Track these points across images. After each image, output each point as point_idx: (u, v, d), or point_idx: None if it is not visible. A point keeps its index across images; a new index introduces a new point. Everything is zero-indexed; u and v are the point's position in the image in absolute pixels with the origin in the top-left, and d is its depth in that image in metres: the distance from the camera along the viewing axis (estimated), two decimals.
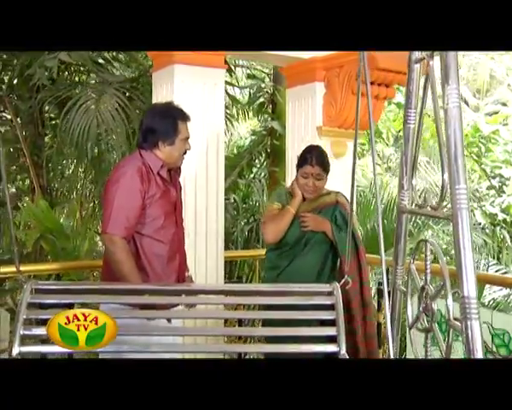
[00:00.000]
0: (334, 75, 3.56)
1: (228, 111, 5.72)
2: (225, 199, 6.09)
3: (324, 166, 2.69)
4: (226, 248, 5.83)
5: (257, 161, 6.11)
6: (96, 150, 4.66)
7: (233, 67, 5.95)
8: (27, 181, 6.21)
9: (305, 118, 3.74)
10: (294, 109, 3.84)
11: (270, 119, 5.46)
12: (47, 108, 5.42)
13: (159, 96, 3.29)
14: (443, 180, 1.59)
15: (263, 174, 5.84)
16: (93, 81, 4.68)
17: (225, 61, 4.81)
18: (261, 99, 5.44)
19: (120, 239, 2.24)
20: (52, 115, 5.53)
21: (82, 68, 4.75)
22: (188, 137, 2.47)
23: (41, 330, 1.94)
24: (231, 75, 5.25)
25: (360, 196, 5.74)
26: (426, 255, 1.77)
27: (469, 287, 1.42)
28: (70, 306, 2.09)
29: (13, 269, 2.08)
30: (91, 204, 6.17)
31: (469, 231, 1.45)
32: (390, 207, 5.64)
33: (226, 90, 5.19)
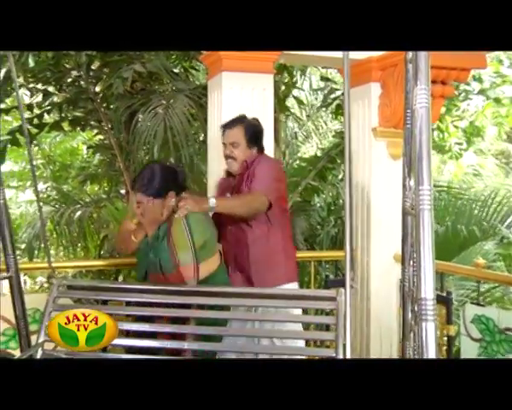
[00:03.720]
0: (388, 75, 3.50)
1: (299, 113, 5.78)
2: (306, 201, 6.16)
3: (144, 189, 2.43)
4: (311, 248, 5.90)
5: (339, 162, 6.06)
6: (186, 155, 4.95)
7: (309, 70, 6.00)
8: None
9: (362, 119, 3.71)
10: (352, 111, 3.81)
11: None
12: (140, 116, 5.84)
13: (212, 103, 3.46)
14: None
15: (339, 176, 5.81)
16: (166, 89, 4.95)
17: (285, 67, 4.91)
18: (337, 101, 5.41)
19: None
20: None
21: (155, 77, 5.05)
22: (223, 143, 2.77)
23: None
24: (291, 78, 5.28)
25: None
26: (413, 259, 1.74)
27: (427, 288, 1.40)
28: (98, 302, 2.32)
29: (45, 265, 2.35)
30: None
31: (431, 233, 1.42)
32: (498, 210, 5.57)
33: (293, 95, 5.25)
